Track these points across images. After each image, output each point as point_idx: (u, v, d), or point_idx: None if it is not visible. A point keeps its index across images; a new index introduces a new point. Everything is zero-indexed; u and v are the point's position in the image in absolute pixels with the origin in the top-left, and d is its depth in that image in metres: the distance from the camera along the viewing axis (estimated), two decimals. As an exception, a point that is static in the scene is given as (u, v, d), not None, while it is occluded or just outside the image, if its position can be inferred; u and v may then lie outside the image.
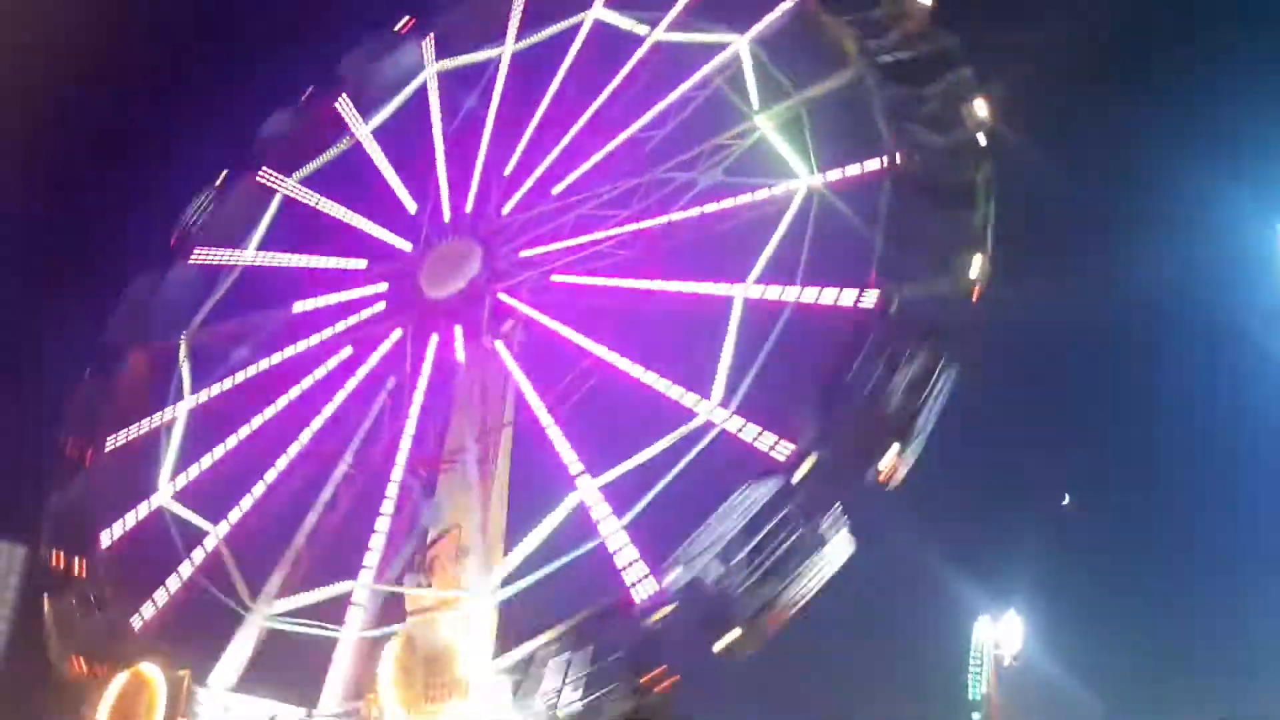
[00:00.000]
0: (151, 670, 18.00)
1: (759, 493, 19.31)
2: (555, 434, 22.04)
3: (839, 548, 18.40)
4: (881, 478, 18.32)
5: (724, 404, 20.90)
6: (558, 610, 20.21)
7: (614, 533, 20.29)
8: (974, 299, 19.14)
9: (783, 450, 19.76)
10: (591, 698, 17.55)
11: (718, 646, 17.34)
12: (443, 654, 16.49)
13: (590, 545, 20.57)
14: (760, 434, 20.33)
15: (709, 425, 20.72)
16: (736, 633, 17.58)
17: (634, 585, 19.15)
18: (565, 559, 20.53)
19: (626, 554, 19.89)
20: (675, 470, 20.87)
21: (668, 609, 18.40)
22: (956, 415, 20.71)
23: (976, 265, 19.22)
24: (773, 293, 21.68)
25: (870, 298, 19.99)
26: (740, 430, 20.55)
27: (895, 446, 18.47)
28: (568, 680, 17.79)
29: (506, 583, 20.88)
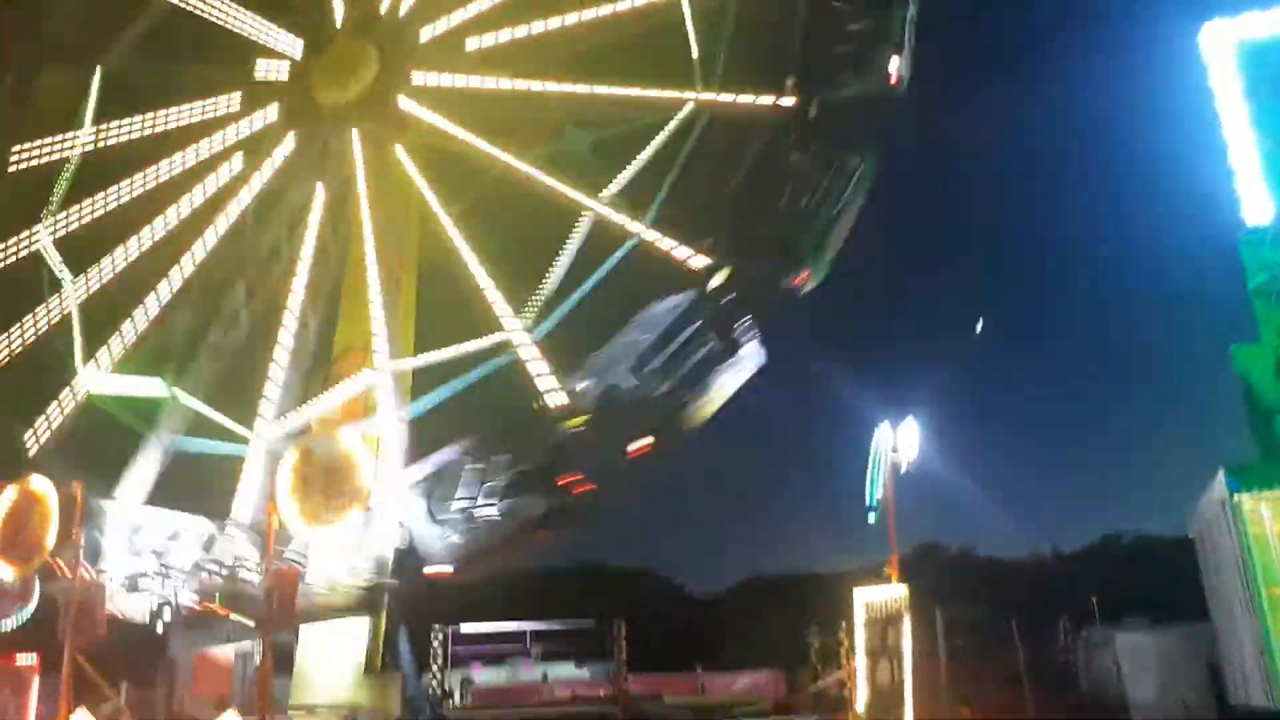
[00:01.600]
0: (42, 484, 17.36)
1: (673, 304, 19.21)
2: (463, 246, 21.36)
3: (750, 358, 18.53)
4: (795, 282, 18.32)
5: (639, 217, 20.50)
6: (470, 424, 20.18)
7: (525, 344, 20.14)
8: (892, 100, 18.64)
9: (698, 261, 19.55)
10: (506, 504, 17.74)
11: (631, 449, 17.53)
12: (342, 464, 16.28)
13: (502, 359, 20.40)
14: (676, 246, 20.05)
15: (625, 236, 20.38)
16: (648, 439, 17.74)
17: (547, 394, 19.18)
18: (477, 372, 20.38)
19: (537, 365, 19.79)
20: (590, 282, 20.58)
21: (581, 418, 18.43)
22: (869, 227, 20.68)
23: (895, 65, 18.66)
24: (688, 95, 20.93)
25: (788, 99, 19.41)
26: (657, 242, 20.23)
27: (808, 256, 18.36)
28: (483, 487, 17.87)
29: (416, 399, 20.71)
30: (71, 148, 25.78)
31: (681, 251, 19.76)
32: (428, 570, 18.07)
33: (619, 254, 20.60)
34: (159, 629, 15.85)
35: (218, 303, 23.93)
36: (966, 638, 22.84)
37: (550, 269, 21.38)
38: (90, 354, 23.35)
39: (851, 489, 18.17)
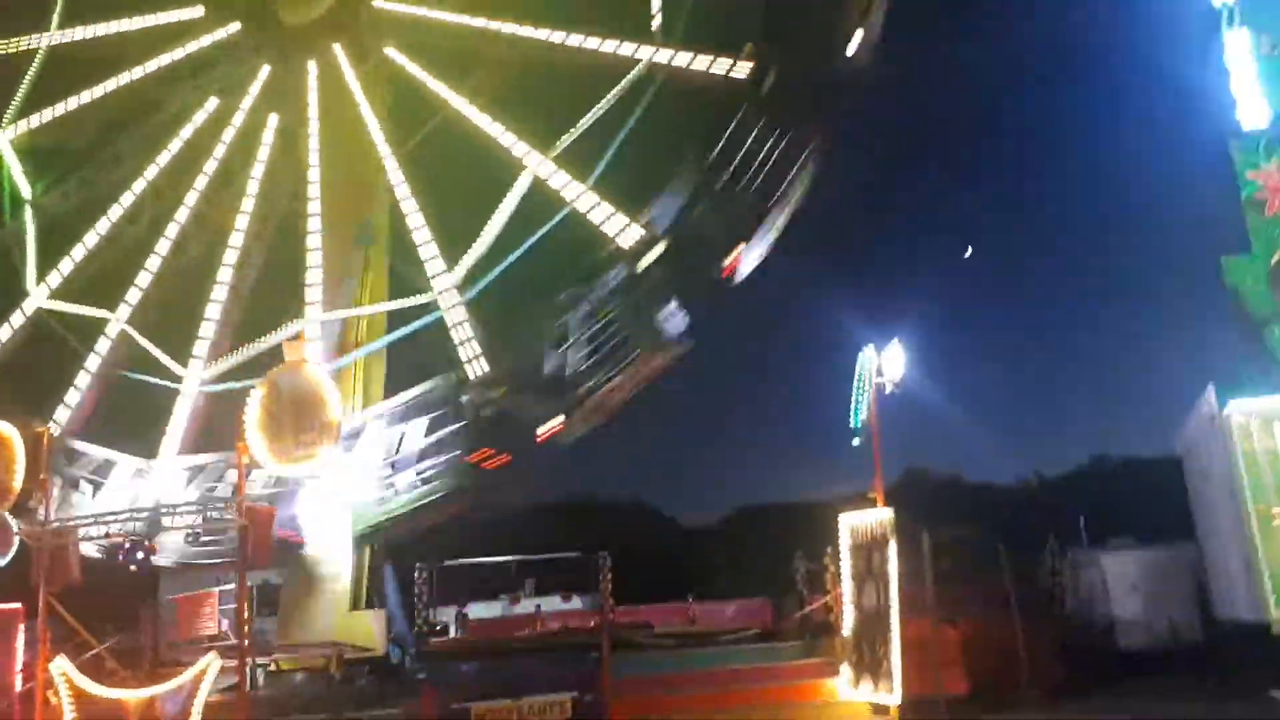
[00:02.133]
0: (6, 427, 16.94)
1: (603, 280, 18.72)
2: (404, 194, 20.81)
3: (675, 342, 18.03)
4: (724, 272, 17.74)
5: (581, 178, 19.89)
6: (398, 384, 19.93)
7: (453, 306, 19.69)
8: (854, 79, 17.81)
9: (630, 235, 18.97)
10: (423, 468, 17.55)
11: (540, 432, 17.33)
12: (309, 398, 15.88)
13: (430, 317, 19.97)
14: (611, 216, 19.43)
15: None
16: (557, 421, 17.48)
17: (468, 363, 18.90)
18: (405, 330, 20.05)
19: (462, 330, 19.44)
20: (523, 247, 20.06)
21: (496, 393, 18.12)
22: (850, 146, 20.07)
23: (857, 41, 17.82)
24: (643, 50, 20.11)
25: (744, 68, 18.60)
26: (591, 210, 19.60)
27: (741, 246, 17.74)
28: (400, 452, 17.69)
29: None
30: (33, 47, 24.95)
31: (614, 224, 19.13)
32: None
33: (555, 219, 20.03)
34: (133, 569, 15.51)
35: (164, 228, 23.27)
36: (953, 560, 22.75)
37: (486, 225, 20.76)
38: (43, 272, 22.91)
39: (840, 416, 17.93)
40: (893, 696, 15.69)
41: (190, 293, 23.31)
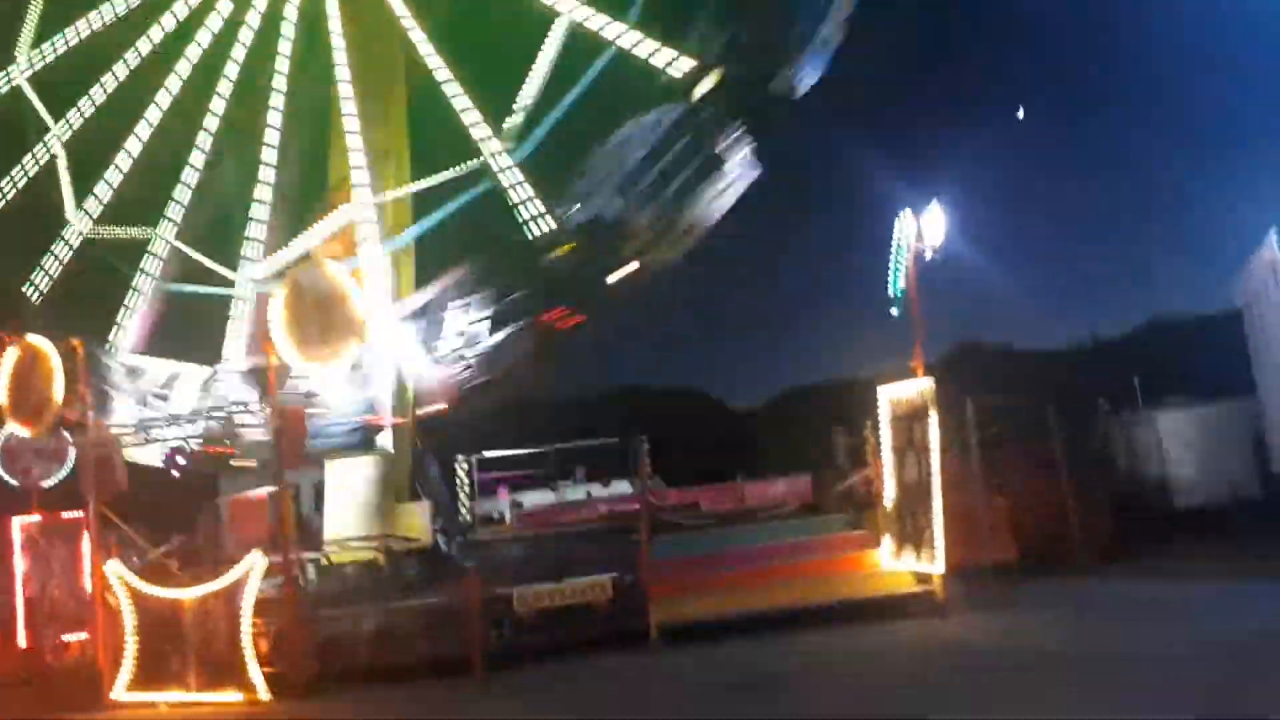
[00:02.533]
0: (41, 340, 17.11)
1: (657, 118, 17.98)
2: (438, 63, 20.07)
3: (741, 171, 17.39)
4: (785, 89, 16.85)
5: (620, 18, 18.95)
6: (458, 258, 19.57)
7: (506, 169, 19.14)
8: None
9: (681, 67, 18.08)
10: (494, 340, 17.31)
11: (612, 278, 16.88)
12: (333, 296, 15.72)
13: (482, 187, 19.46)
14: (657, 50, 18.52)
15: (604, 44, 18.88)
16: (632, 265, 17.01)
17: (528, 222, 18.38)
18: (456, 202, 19.55)
19: (519, 191, 18.87)
20: (570, 97, 19.28)
21: (565, 247, 17.65)
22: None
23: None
24: None
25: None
26: (635, 46, 18.70)
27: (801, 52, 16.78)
28: (471, 323, 17.40)
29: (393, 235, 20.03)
30: None
31: (663, 56, 18.24)
32: (420, 411, 17.81)
33: (599, 64, 19.19)
34: (174, 474, 15.78)
35: (195, 139, 23.01)
36: (1001, 428, 22.33)
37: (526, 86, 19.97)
38: (80, 199, 22.89)
39: (883, 287, 17.33)
40: (935, 565, 15.52)
41: (233, 198, 23.18)
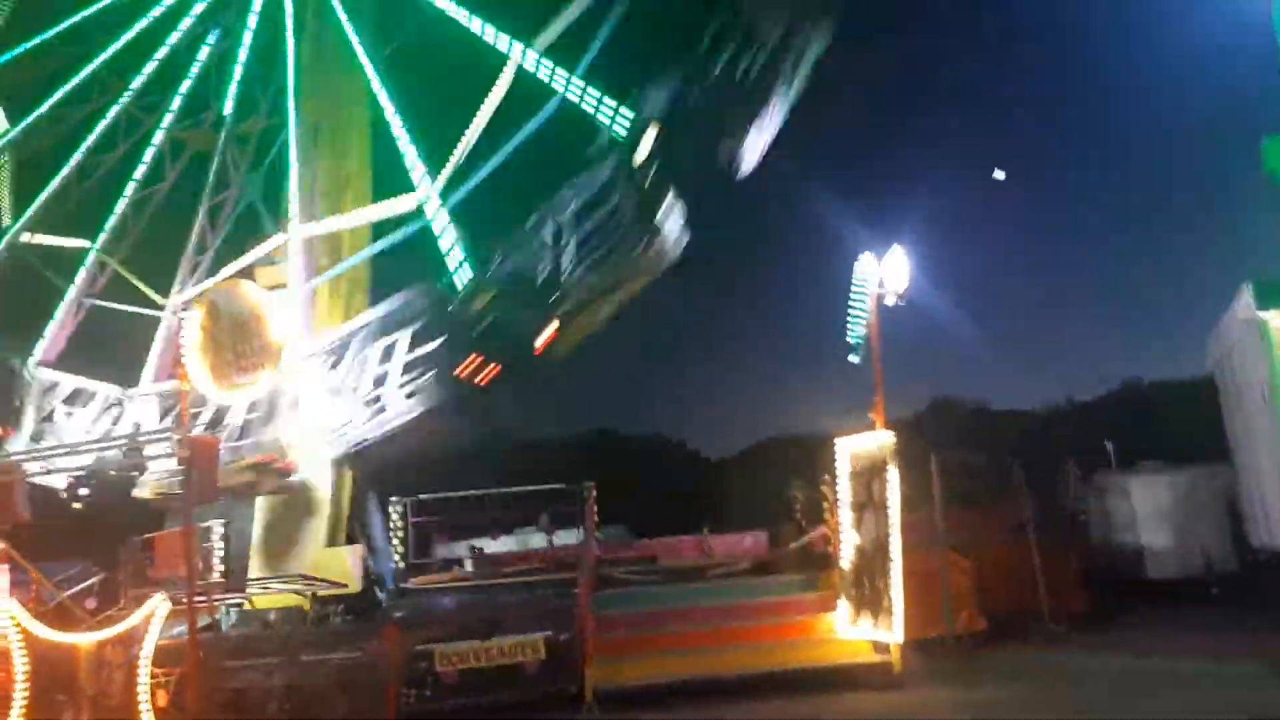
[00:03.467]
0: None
1: (595, 176, 17.21)
2: (384, 97, 19.44)
3: (673, 239, 16.62)
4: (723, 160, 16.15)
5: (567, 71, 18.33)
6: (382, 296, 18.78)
7: (438, 211, 18.38)
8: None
9: (623, 122, 17.41)
10: (407, 388, 16.36)
11: (539, 341, 16.02)
12: (250, 319, 14.74)
13: (413, 226, 18.72)
14: (600, 102, 17.87)
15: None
16: (553, 327, 16.18)
17: (455, 271, 17.61)
18: (383, 242, 18.79)
19: (447, 236, 18.11)
20: (512, 143, 18.61)
21: (484, 300, 16.77)
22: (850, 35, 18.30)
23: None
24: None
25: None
26: (580, 99, 18.07)
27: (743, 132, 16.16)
28: (386, 367, 16.46)
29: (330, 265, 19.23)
30: None
31: (605, 112, 17.58)
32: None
33: (544, 113, 18.57)
34: (76, 505, 14.62)
35: (141, 155, 22.25)
36: (968, 487, 21.49)
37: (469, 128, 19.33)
38: (19, 209, 22.06)
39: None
40: (893, 634, 14.51)
41: (170, 219, 22.39)
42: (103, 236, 22.06)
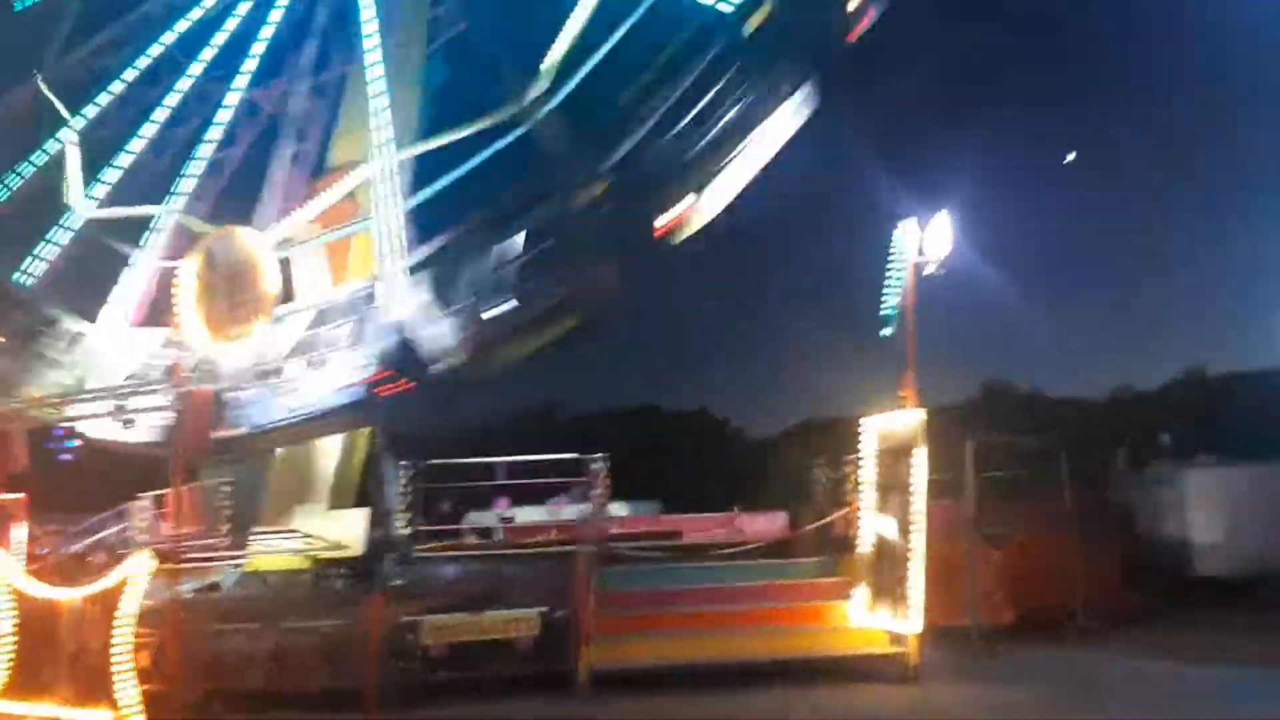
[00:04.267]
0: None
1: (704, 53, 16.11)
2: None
3: (798, 103, 15.47)
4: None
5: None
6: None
7: (540, 114, 17.40)
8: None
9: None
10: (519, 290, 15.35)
11: (659, 223, 14.93)
12: (245, 268, 14.14)
13: (513, 135, 17.78)
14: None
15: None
16: (682, 206, 15.05)
17: (561, 165, 16.49)
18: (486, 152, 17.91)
19: (552, 133, 17.19)
20: (613, 38, 17.50)
21: (602, 185, 15.75)
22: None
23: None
24: None
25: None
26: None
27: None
28: (492, 273, 15.48)
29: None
30: None
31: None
32: (435, 369, 16.00)
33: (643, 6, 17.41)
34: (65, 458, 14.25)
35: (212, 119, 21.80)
36: (1008, 474, 20.36)
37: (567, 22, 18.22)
38: (86, 184, 21.74)
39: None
40: (911, 624, 13.58)
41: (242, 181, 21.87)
42: (177, 200, 21.58)
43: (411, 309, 16.08)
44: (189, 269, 13.91)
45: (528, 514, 26.09)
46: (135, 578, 13.04)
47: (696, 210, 15.13)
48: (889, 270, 15.38)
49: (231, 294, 13.81)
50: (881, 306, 15.35)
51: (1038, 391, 54.63)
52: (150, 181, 22.27)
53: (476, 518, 25.08)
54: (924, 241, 15.18)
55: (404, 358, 15.19)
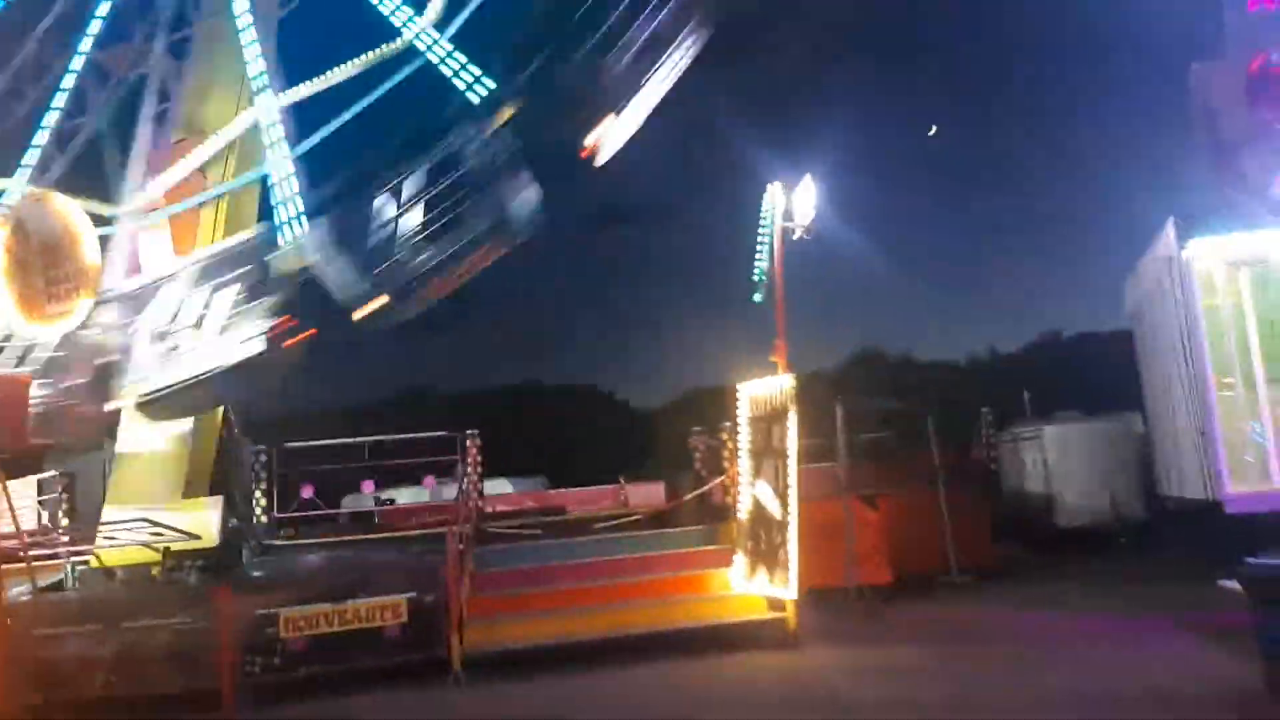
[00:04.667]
0: None
1: (448, 139, 15.51)
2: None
3: (524, 208, 15.11)
4: (585, 153, 14.57)
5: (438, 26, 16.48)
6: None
7: (281, 160, 16.54)
8: None
9: (480, 91, 15.74)
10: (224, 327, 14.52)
11: (356, 316, 14.37)
12: (63, 237, 12.86)
13: (253, 175, 16.84)
14: (463, 68, 16.11)
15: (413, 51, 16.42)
16: (381, 300, 14.53)
17: (287, 223, 15.77)
18: (225, 186, 17.01)
19: (285, 187, 16.29)
20: (368, 100, 16.75)
21: (313, 258, 14.99)
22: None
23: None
24: None
25: None
26: (442, 61, 16.30)
27: (609, 119, 14.57)
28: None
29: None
30: None
31: (465, 77, 15.78)
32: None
33: (402, 71, 16.76)
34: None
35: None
36: (877, 436, 20.70)
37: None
38: None
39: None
40: (787, 590, 13.51)
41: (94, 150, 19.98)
42: (25, 172, 19.60)
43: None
44: (-2, 240, 12.49)
45: (408, 496, 25.29)
46: (-51, 583, 11.89)
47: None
48: (759, 235, 15.21)
49: (47, 269, 12.48)
50: (752, 273, 15.20)
51: (909, 356, 56.44)
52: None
53: (352, 501, 24.15)
54: (790, 205, 15.07)
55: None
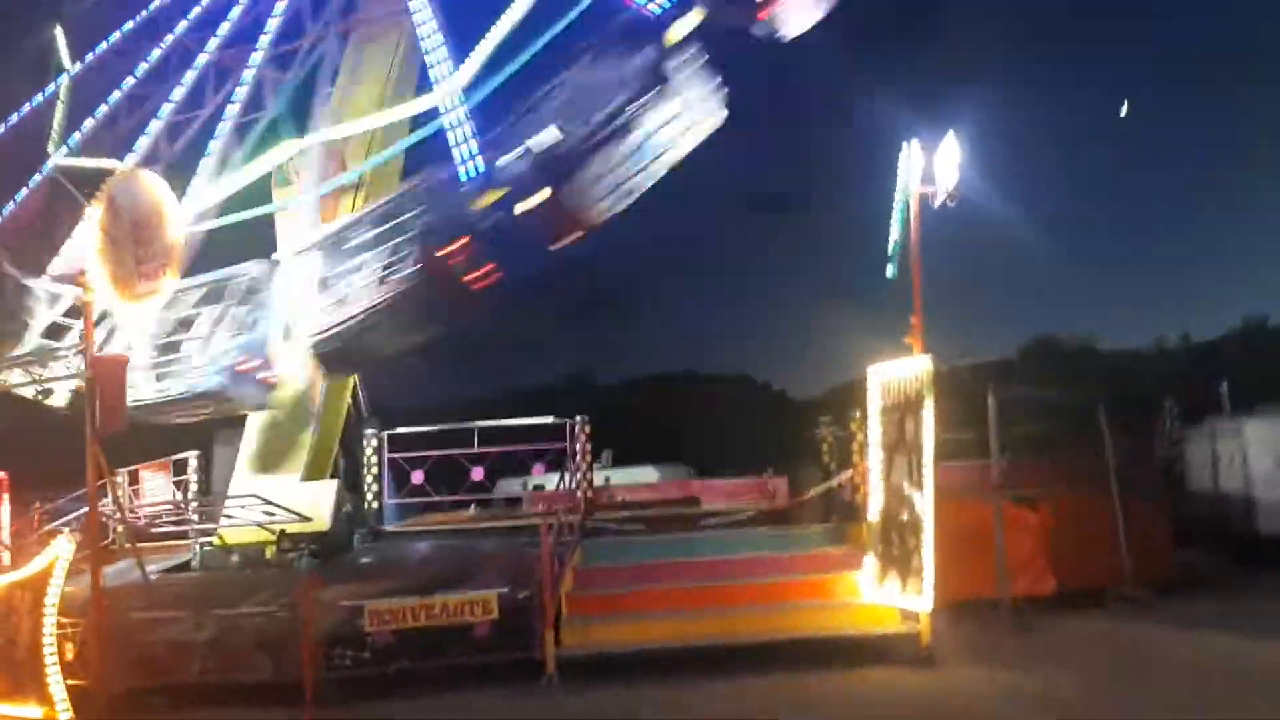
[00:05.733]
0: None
1: (619, 51, 14.84)
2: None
3: (709, 115, 14.20)
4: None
5: None
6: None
7: (454, 109, 16.17)
8: None
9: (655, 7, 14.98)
10: (386, 272, 14.28)
11: (553, 247, 13.81)
12: (150, 215, 12.72)
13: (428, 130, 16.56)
14: None
15: None
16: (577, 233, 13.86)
17: (463, 164, 15.37)
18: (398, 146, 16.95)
19: (461, 132, 15.93)
20: (537, 44, 16.19)
21: (497, 192, 14.52)
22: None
23: None
24: None
25: None
26: None
27: None
28: (371, 253, 14.35)
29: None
30: None
31: None
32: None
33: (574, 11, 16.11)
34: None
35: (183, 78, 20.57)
36: (1041, 430, 18.50)
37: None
38: (66, 135, 20.82)
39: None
40: (921, 600, 11.91)
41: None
42: (133, 157, 20.54)
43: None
44: (92, 220, 12.53)
45: (553, 483, 24.93)
46: (62, 561, 11.90)
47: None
48: (895, 203, 13.58)
49: (137, 247, 12.44)
50: (888, 243, 13.58)
51: (1089, 344, 52.22)
52: (128, 137, 21.33)
53: (506, 486, 23.90)
54: (930, 167, 13.34)
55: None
